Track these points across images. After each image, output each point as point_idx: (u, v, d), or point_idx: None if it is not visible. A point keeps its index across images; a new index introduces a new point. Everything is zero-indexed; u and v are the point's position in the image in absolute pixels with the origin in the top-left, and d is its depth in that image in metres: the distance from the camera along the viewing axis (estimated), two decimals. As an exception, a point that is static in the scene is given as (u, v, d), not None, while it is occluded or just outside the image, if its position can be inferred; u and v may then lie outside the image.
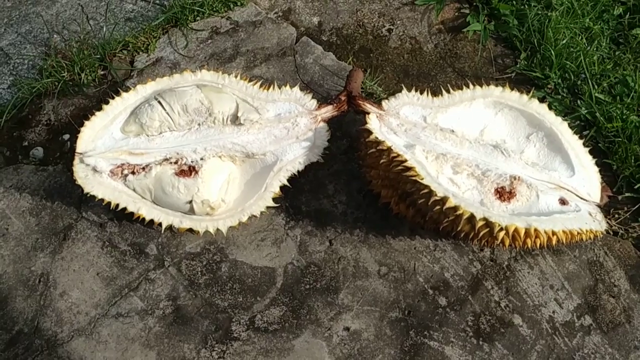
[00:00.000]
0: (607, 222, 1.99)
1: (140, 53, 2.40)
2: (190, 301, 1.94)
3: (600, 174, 1.96)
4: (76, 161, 1.92)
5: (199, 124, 1.98)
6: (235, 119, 1.97)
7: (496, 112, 1.99)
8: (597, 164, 1.97)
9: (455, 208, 1.73)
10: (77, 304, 1.95)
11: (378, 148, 1.82)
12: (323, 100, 2.20)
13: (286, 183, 1.97)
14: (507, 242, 1.80)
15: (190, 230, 1.96)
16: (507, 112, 1.98)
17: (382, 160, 1.82)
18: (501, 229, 1.74)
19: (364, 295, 1.94)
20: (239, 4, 2.49)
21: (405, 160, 1.78)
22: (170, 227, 1.96)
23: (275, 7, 2.50)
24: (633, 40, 2.33)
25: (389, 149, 1.80)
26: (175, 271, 1.98)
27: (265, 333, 1.89)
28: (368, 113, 1.91)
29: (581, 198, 1.89)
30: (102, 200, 1.92)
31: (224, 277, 1.97)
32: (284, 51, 2.38)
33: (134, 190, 1.94)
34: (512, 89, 2.00)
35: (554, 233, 1.77)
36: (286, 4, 2.51)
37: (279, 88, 2.03)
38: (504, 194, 1.85)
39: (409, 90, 1.98)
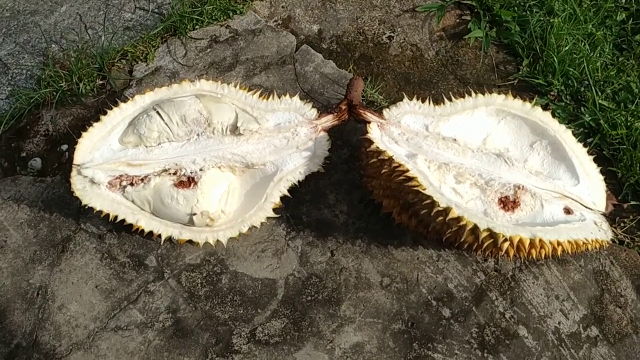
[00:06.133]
0: (613, 231, 1.96)
1: (139, 62, 2.38)
2: (190, 314, 1.92)
3: (605, 182, 1.94)
4: (74, 173, 1.91)
5: (198, 135, 1.96)
6: (234, 129, 1.95)
7: (499, 120, 1.96)
8: (601, 171, 1.95)
9: (458, 219, 1.70)
10: (76, 317, 1.92)
11: (379, 158, 1.80)
12: (323, 109, 2.18)
13: (287, 193, 1.95)
14: (511, 253, 1.77)
15: (190, 241, 1.94)
16: (510, 120, 1.96)
17: (383, 170, 1.80)
18: (505, 240, 1.71)
19: (367, 307, 1.91)
20: (238, 12, 2.47)
21: (407, 170, 1.75)
22: (169, 239, 1.94)
23: (274, 15, 2.48)
24: (637, 46, 2.31)
25: (390, 159, 1.78)
26: (175, 283, 1.96)
27: (267, 346, 1.87)
28: (369, 122, 1.89)
29: (586, 207, 1.87)
30: (100, 211, 1.90)
31: (224, 288, 1.95)
32: (283, 59, 2.36)
33: (132, 201, 1.91)
34: (514, 96, 1.98)
35: (559, 243, 1.74)
36: (286, 12, 2.49)
37: (279, 97, 2.01)
38: (508, 203, 1.83)
39: (410, 98, 1.96)
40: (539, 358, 1.83)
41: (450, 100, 1.96)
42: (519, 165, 1.90)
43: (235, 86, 2.02)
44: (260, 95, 2.02)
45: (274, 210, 1.94)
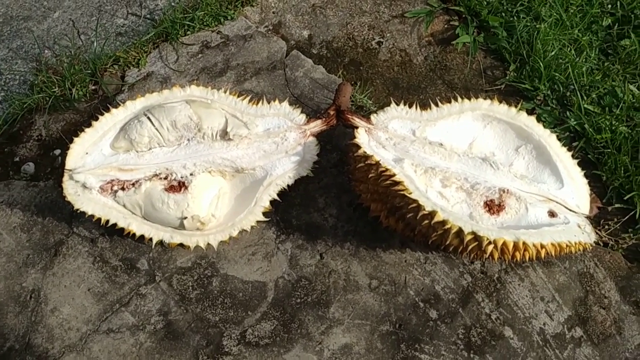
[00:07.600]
0: (597, 233, 2.00)
1: (131, 68, 2.40)
2: (182, 316, 1.94)
3: (590, 185, 1.97)
4: (65, 178, 1.93)
5: (188, 140, 1.98)
6: (224, 134, 1.98)
7: (485, 125, 1.99)
8: (586, 175, 1.98)
9: (443, 222, 1.73)
10: (68, 320, 1.95)
11: (367, 162, 1.83)
12: (313, 113, 2.21)
13: (276, 197, 1.97)
14: (496, 256, 1.80)
15: (181, 245, 1.96)
16: (495, 125, 1.99)
17: (370, 175, 1.83)
18: (489, 243, 1.74)
19: (355, 309, 1.94)
20: (229, 18, 2.50)
21: (394, 175, 1.78)
22: (161, 242, 1.97)
23: (265, 21, 2.51)
24: (622, 51, 2.34)
25: (377, 164, 1.81)
26: (167, 286, 1.98)
27: (257, 347, 1.89)
28: (357, 127, 1.92)
29: (570, 210, 1.90)
30: (92, 216, 1.92)
31: (215, 291, 1.97)
32: (274, 65, 2.39)
33: (124, 206, 1.94)
34: (501, 101, 2.01)
35: (542, 246, 1.77)
36: (276, 18, 2.52)
37: (268, 102, 2.04)
38: (493, 207, 1.86)
39: (398, 103, 1.99)
40: (524, 358, 1.86)
41: (437, 105, 1.99)
42: (504, 169, 1.93)
43: (225, 92, 2.05)
44: (250, 100, 2.05)
45: (264, 214, 1.97)
